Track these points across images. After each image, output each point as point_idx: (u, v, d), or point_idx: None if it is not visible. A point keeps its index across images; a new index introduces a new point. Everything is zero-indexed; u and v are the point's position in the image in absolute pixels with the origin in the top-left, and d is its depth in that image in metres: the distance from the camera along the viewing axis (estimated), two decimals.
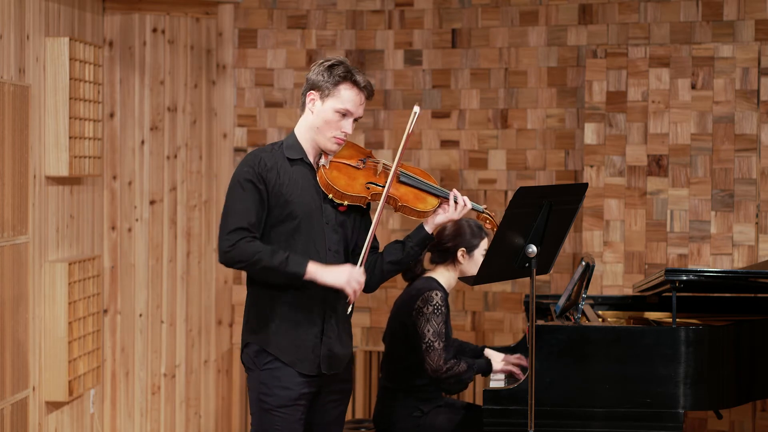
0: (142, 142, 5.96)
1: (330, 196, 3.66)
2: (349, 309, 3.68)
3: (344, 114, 3.64)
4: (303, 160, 3.68)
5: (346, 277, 3.59)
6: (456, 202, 3.74)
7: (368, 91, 3.68)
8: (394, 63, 6.27)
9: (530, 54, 6.14)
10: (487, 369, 4.59)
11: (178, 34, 6.04)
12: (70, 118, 5.19)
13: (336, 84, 3.63)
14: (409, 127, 3.70)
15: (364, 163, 3.73)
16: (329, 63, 3.67)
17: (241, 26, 6.31)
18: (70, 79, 5.19)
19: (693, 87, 5.77)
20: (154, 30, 5.97)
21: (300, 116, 3.73)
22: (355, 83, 3.64)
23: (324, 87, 3.64)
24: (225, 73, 6.26)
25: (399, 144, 3.71)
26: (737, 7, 5.82)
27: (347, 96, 3.63)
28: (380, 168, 3.73)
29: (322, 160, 3.69)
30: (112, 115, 5.90)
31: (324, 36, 6.32)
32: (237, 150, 6.28)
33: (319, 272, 3.58)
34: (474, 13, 6.20)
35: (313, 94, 3.66)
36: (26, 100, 4.94)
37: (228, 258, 3.59)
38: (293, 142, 3.70)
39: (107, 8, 5.86)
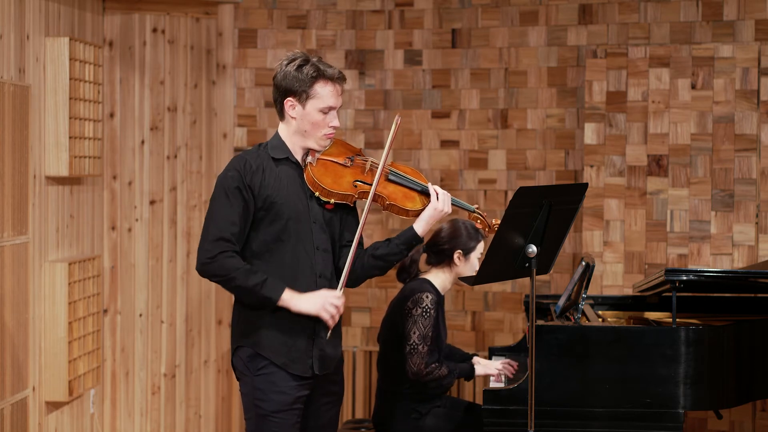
0: (142, 142, 5.96)
1: (316, 193, 3.63)
2: (329, 334, 3.61)
3: (328, 110, 3.62)
4: (289, 159, 3.65)
5: (321, 302, 3.55)
6: (437, 192, 3.71)
7: (341, 80, 3.64)
8: (394, 63, 6.27)
9: (530, 54, 6.14)
10: (469, 373, 4.59)
11: (178, 34, 6.04)
12: (70, 118, 5.19)
13: (311, 85, 3.59)
14: (391, 135, 3.68)
15: (352, 161, 3.70)
16: (295, 65, 3.60)
17: (241, 26, 6.31)
18: (70, 79, 5.19)
19: (693, 87, 5.77)
20: (154, 30, 5.97)
21: (280, 122, 3.69)
22: (329, 78, 3.61)
23: (299, 91, 3.59)
24: (225, 73, 6.26)
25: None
26: (737, 7, 5.82)
27: (325, 93, 3.60)
28: (368, 166, 3.70)
29: (309, 158, 3.66)
30: (112, 115, 5.90)
31: (324, 36, 6.32)
32: (237, 150, 6.27)
33: (293, 300, 3.54)
34: (474, 13, 6.20)
35: (291, 101, 3.61)
36: (26, 100, 4.94)
37: (205, 270, 3.55)
38: (278, 142, 3.67)
39: (107, 8, 5.85)
